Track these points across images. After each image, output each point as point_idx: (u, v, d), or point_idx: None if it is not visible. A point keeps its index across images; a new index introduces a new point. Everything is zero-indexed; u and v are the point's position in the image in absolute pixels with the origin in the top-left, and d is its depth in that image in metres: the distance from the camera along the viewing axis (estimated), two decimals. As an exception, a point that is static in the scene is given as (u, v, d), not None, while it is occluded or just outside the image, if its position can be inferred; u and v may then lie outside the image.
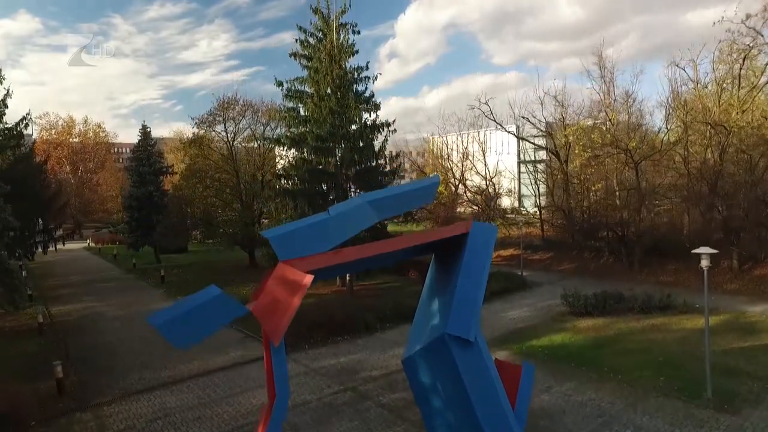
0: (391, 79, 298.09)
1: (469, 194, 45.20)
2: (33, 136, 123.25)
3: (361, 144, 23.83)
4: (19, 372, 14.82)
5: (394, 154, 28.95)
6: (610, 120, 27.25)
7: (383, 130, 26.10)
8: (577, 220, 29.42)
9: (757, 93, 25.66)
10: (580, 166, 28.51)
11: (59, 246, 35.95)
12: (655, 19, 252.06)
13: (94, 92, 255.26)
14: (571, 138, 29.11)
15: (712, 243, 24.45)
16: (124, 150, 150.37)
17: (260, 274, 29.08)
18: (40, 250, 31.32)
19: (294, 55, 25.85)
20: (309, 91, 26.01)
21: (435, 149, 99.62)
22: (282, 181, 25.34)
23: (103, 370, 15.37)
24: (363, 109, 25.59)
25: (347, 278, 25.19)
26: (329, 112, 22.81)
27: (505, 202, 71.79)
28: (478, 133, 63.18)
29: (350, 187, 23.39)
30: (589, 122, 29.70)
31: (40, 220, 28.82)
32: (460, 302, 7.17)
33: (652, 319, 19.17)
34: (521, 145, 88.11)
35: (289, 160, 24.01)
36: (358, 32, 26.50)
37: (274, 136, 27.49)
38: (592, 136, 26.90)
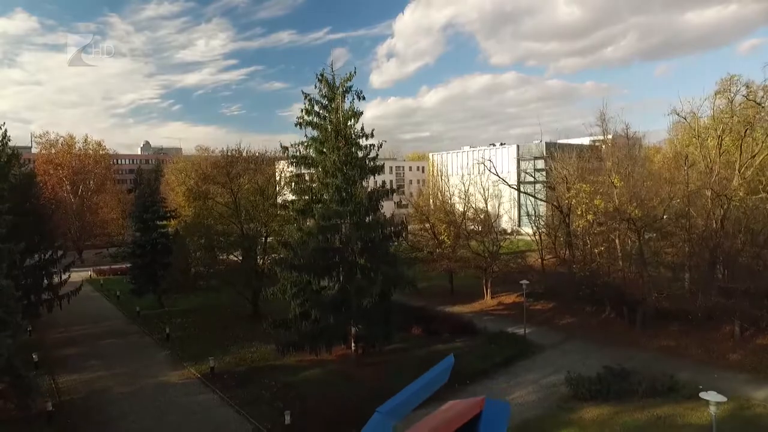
0: (389, 79, 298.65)
1: (471, 225, 45.30)
2: (32, 149, 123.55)
3: (367, 219, 24.01)
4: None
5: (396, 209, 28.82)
6: (613, 183, 27.47)
7: (389, 195, 26.41)
8: (579, 278, 29.64)
9: (758, 161, 25.91)
10: (582, 227, 28.77)
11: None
12: (654, 19, 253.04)
13: (91, 92, 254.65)
14: (573, 201, 29.36)
15: (712, 304, 24.87)
16: (124, 161, 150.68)
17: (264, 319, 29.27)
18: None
19: (299, 124, 26.02)
20: (314, 155, 26.22)
21: (434, 170, 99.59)
22: (287, 250, 25.48)
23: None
24: (368, 172, 25.75)
25: (352, 343, 25.37)
26: (336, 190, 23.01)
27: (504, 219, 72.32)
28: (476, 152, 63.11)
29: (357, 261, 23.55)
30: (591, 177, 29.95)
31: (45, 279, 28.94)
32: None
33: (657, 408, 19.36)
34: (521, 165, 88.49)
35: (294, 235, 24.13)
36: (363, 98, 26.76)
37: (280, 201, 27.63)
38: (595, 202, 27.16)
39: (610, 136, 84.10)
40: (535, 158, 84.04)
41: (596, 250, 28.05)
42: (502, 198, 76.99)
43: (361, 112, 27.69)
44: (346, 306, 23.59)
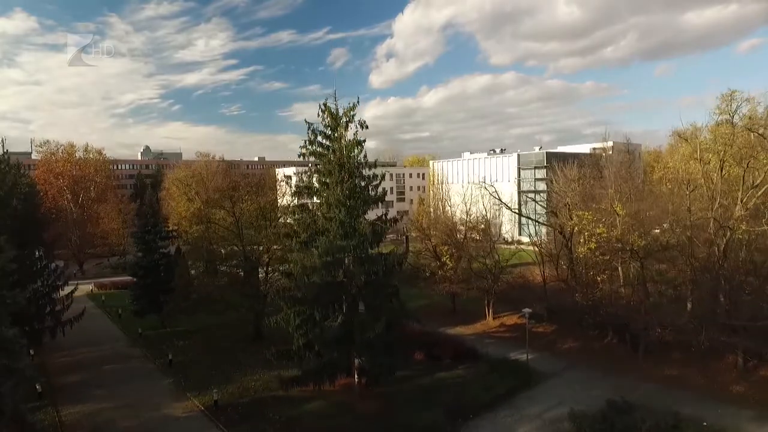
0: (389, 79, 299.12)
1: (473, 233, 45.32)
2: (32, 155, 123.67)
3: (370, 251, 24.06)
4: None
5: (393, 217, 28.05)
6: (616, 211, 27.51)
7: (389, 225, 26.45)
8: (581, 306, 29.69)
9: (761, 191, 25.96)
10: (585, 253, 28.81)
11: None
12: (654, 19, 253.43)
13: (90, 92, 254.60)
14: (576, 228, 29.40)
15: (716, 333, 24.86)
16: (124, 166, 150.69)
17: (269, 348, 29.27)
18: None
19: (302, 155, 26.10)
20: (317, 185, 26.28)
21: (434, 179, 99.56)
22: (290, 280, 25.54)
23: None
24: (371, 203, 25.77)
25: (355, 374, 25.36)
26: (339, 224, 23.06)
27: (505, 228, 72.44)
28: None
29: (361, 295, 23.61)
30: (593, 205, 29.99)
31: (48, 306, 28.99)
32: None
33: (660, 449, 19.37)
34: (521, 174, 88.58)
35: (297, 269, 24.16)
36: (367, 127, 26.82)
37: (283, 230, 27.66)
38: (598, 230, 27.22)
39: (611, 151, 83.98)
40: (536, 168, 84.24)
41: (599, 278, 28.08)
42: (502, 209, 77.23)
43: (364, 140, 27.92)
44: (349, 339, 23.62)
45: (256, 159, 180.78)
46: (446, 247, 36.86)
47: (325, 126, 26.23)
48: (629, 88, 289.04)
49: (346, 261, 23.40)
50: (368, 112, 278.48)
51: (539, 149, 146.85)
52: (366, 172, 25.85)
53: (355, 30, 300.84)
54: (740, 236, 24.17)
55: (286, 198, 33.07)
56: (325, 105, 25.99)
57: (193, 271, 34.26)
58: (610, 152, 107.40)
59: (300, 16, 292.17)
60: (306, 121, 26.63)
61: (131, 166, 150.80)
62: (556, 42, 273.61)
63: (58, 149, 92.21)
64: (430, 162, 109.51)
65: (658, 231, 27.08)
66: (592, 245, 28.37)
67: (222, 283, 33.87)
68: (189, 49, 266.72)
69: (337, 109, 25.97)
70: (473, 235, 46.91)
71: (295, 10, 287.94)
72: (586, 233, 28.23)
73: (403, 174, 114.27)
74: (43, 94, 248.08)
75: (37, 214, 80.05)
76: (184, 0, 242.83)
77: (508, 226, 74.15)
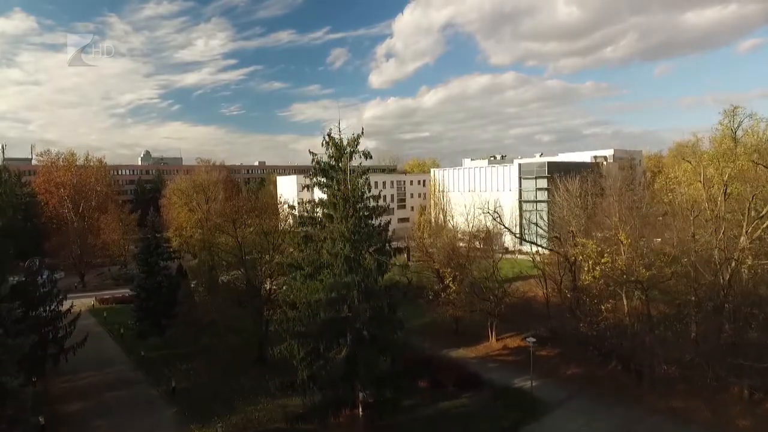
0: (388, 80, 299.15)
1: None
2: (33, 160, 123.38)
3: (373, 280, 23.99)
4: None
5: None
6: (621, 241, 27.45)
7: (393, 255, 26.42)
8: (585, 336, 29.63)
9: (765, 223, 25.90)
10: (589, 281, 28.75)
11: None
12: (654, 19, 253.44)
13: (90, 92, 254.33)
14: (580, 257, 29.35)
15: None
16: (124, 172, 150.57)
17: (272, 372, 29.16)
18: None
19: (307, 186, 26.03)
20: (321, 216, 26.24)
21: (436, 188, 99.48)
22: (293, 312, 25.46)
23: None
24: (375, 235, 25.72)
25: (360, 410, 25.24)
26: (344, 260, 22.99)
27: (507, 238, 72.34)
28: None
29: (366, 329, 23.53)
30: (597, 233, 29.96)
31: (51, 334, 28.91)
32: None
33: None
34: (522, 184, 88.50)
35: (302, 304, 24.09)
36: (370, 157, 26.86)
37: (287, 260, 27.57)
38: (603, 261, 27.16)
39: (611, 159, 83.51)
40: (537, 177, 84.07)
41: (603, 307, 28.01)
42: (504, 213, 77.08)
43: (369, 169, 28.04)
44: (354, 373, 23.56)
45: (257, 163, 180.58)
46: (449, 270, 36.73)
47: (329, 157, 26.25)
48: (629, 88, 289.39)
49: (352, 294, 23.33)
50: (368, 112, 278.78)
51: (540, 156, 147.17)
52: (371, 203, 25.88)
53: (354, 30, 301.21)
54: (746, 270, 24.07)
55: (289, 221, 32.98)
56: (329, 136, 26.02)
57: (196, 297, 34.15)
58: (611, 160, 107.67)
59: (300, 16, 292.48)
60: (310, 152, 26.75)
61: (131, 172, 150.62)
62: (556, 42, 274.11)
63: (58, 158, 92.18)
64: (431, 170, 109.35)
65: (663, 261, 26.97)
66: (597, 273, 28.30)
67: (225, 307, 33.75)
68: (188, 49, 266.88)
69: (341, 140, 25.99)
70: (475, 244, 47.04)
71: (295, 10, 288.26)
72: (590, 261, 28.18)
73: (404, 181, 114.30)
74: (42, 94, 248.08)
75: (38, 225, 79.72)
76: (184, 0, 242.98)
77: (509, 236, 74.04)
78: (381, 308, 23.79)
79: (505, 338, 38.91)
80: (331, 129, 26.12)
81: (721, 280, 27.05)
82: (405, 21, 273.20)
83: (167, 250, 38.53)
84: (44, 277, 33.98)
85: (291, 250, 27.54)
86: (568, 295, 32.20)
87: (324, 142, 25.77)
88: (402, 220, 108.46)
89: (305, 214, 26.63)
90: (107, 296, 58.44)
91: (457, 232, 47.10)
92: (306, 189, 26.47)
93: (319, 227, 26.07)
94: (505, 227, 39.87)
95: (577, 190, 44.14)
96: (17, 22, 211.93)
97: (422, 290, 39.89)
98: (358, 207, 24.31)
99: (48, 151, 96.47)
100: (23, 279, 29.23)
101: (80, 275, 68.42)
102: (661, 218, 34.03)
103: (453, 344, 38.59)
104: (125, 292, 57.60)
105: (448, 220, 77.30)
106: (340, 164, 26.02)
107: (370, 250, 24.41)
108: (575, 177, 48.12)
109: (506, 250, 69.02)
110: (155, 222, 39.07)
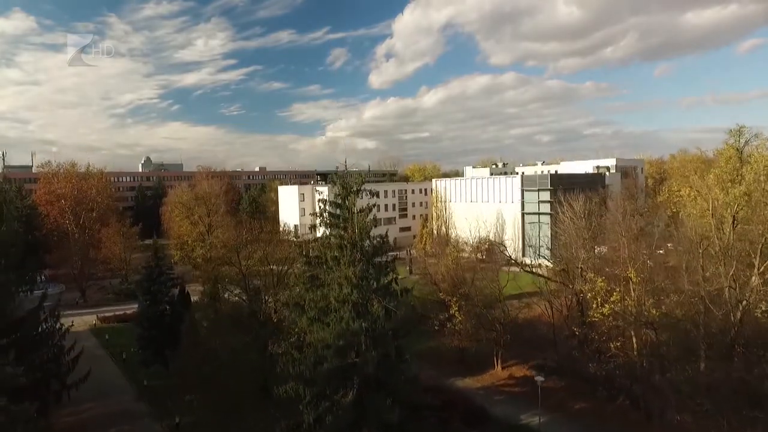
0: (388, 80, 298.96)
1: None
2: (33, 168, 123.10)
3: (381, 326, 23.69)
4: None
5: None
6: (631, 278, 27.13)
7: (402, 295, 26.09)
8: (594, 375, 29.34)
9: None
10: (598, 318, 28.46)
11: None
12: (654, 19, 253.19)
13: (89, 92, 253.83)
14: (588, 295, 29.08)
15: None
16: (125, 179, 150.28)
17: (276, 407, 28.74)
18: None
19: (313, 227, 25.83)
20: (328, 259, 25.95)
21: (437, 198, 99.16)
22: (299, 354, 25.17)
23: None
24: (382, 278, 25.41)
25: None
26: (352, 307, 22.70)
27: (509, 250, 71.99)
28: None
29: (374, 377, 23.21)
30: (606, 269, 29.66)
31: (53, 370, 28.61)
32: None
33: None
34: (525, 196, 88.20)
35: (305, 353, 23.85)
36: (377, 194, 26.64)
37: (293, 300, 27.24)
38: (612, 298, 26.87)
39: (614, 169, 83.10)
40: (540, 190, 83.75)
41: (612, 344, 27.71)
42: (506, 225, 76.86)
43: (375, 205, 27.79)
44: (362, 418, 23.24)
45: (257, 169, 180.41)
46: (455, 299, 36.42)
47: (336, 195, 26.04)
48: (629, 88, 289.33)
49: (359, 340, 23.02)
50: (368, 112, 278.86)
51: (542, 164, 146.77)
52: (375, 242, 25.60)
53: (354, 30, 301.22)
54: (759, 315, 23.78)
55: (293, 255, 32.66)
56: (336, 174, 25.84)
57: (200, 329, 33.80)
58: (614, 170, 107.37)
59: (300, 16, 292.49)
60: (317, 190, 26.48)
61: (132, 179, 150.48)
62: (556, 42, 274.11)
63: (59, 169, 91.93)
64: (433, 181, 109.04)
65: (674, 301, 26.67)
66: (606, 311, 28.01)
67: (229, 338, 33.46)
68: (188, 49, 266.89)
69: (348, 180, 25.78)
70: (478, 255, 46.75)
71: (295, 10, 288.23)
72: (599, 299, 27.89)
73: (406, 190, 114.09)
74: (42, 94, 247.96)
75: (39, 237, 79.20)
76: (184, 0, 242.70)
77: (511, 249, 73.71)
78: (389, 355, 23.49)
79: (511, 366, 38.63)
80: (338, 166, 25.94)
81: (732, 318, 26.77)
82: (405, 21, 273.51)
83: (170, 277, 38.22)
84: (48, 290, 33.89)
85: (297, 289, 27.19)
86: (576, 332, 31.87)
87: (331, 184, 25.55)
88: (404, 229, 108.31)
89: (312, 254, 26.32)
90: (109, 314, 58.12)
91: (460, 250, 46.81)
92: (312, 229, 26.20)
93: (326, 268, 25.75)
94: (513, 260, 39.66)
95: (582, 209, 43.73)
96: (17, 22, 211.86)
97: (427, 319, 39.55)
98: (365, 246, 24.04)
99: (48, 162, 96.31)
100: (24, 315, 28.84)
101: (81, 290, 68.11)
102: (669, 245, 33.77)
103: (458, 373, 38.30)
104: (127, 308, 57.58)
105: (451, 233, 77.11)
106: (347, 203, 25.78)
107: (377, 293, 24.09)
108: (578, 193, 47.60)
109: (508, 262, 68.84)
110: (158, 252, 38.64)
